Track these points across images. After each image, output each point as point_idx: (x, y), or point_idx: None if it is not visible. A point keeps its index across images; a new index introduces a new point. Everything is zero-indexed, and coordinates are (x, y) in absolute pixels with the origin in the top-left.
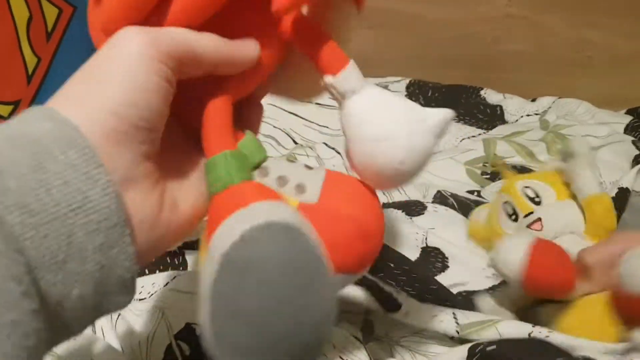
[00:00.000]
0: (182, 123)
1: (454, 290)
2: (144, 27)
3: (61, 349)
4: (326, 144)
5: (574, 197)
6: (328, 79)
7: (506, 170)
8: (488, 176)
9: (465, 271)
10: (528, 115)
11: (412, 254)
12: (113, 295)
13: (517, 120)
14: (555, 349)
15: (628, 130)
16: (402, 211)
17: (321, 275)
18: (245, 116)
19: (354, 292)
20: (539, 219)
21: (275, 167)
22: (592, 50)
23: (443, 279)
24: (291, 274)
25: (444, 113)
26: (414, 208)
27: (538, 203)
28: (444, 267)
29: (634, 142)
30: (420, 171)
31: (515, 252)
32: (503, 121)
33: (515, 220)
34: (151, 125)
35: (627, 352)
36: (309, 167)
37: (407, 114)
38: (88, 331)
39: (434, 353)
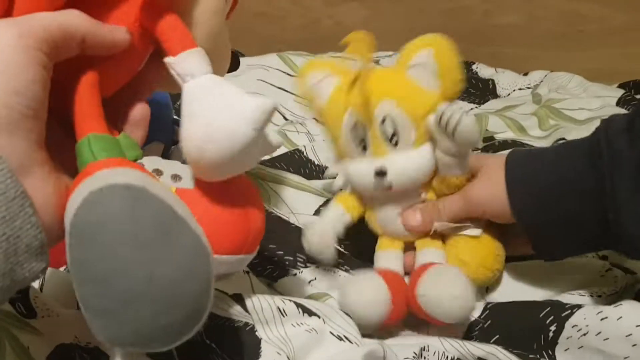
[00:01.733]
0: (61, 121)
1: None
2: (12, 18)
3: (42, 324)
4: (316, 120)
5: (431, 137)
6: (168, 59)
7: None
8: (479, 152)
9: None
10: (520, 89)
11: None
12: (25, 262)
13: (509, 95)
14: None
15: (620, 103)
16: None
17: (170, 233)
18: (128, 115)
19: None
20: (391, 186)
21: (150, 162)
22: (584, 24)
23: None
24: (133, 232)
25: (261, 101)
26: None
27: (395, 144)
28: None
29: None
30: (235, 158)
31: (371, 300)
32: (495, 95)
33: (364, 148)
34: (36, 113)
35: None
36: (184, 163)
37: (222, 98)
38: (72, 308)
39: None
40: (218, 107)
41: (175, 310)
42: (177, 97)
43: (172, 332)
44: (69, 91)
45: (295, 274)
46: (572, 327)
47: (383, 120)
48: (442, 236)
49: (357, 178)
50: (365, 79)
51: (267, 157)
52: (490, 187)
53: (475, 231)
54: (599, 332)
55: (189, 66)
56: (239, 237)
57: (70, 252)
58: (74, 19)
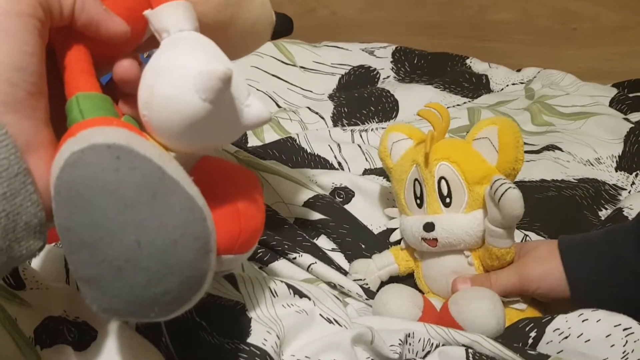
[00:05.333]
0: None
1: None
2: None
3: (31, 296)
4: (310, 109)
5: (484, 204)
6: (147, 12)
7: (437, 125)
8: None
9: None
10: (513, 84)
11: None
12: (23, 240)
13: (502, 90)
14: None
15: (614, 103)
16: (384, 178)
17: (158, 195)
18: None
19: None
20: (436, 240)
21: None
22: (578, 22)
23: None
24: (117, 195)
25: (207, 67)
26: None
27: (448, 205)
28: None
29: (624, 117)
30: (186, 130)
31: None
32: (488, 90)
33: (420, 205)
34: (39, 89)
35: None
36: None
37: (172, 58)
38: (62, 282)
39: None
40: (162, 68)
41: (169, 277)
42: None
43: (170, 300)
44: (59, 58)
45: (295, 258)
46: (554, 330)
47: (439, 180)
48: None
49: (408, 229)
50: (432, 140)
51: (259, 144)
52: (544, 266)
53: (522, 305)
54: (581, 334)
55: (164, 20)
56: (229, 236)
57: (56, 218)
58: None
